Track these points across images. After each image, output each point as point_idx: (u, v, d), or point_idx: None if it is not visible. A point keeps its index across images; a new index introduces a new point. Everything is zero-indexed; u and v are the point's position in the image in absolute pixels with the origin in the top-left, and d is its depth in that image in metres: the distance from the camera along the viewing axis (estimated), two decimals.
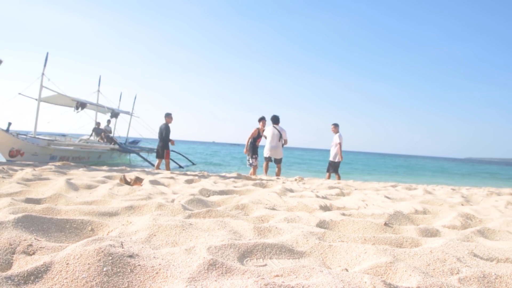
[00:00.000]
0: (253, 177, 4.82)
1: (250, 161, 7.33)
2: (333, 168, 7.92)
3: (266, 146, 7.30)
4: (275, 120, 7.27)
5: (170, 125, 7.65)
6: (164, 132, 7.34)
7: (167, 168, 7.43)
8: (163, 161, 7.59)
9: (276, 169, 7.35)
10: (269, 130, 7.33)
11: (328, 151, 8.28)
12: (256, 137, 7.39)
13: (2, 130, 7.45)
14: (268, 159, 7.25)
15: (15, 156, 7.65)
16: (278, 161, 7.32)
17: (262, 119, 7.36)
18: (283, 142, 7.28)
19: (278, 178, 4.78)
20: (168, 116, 7.71)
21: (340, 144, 7.72)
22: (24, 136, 8.07)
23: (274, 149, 7.22)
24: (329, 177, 7.85)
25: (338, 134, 7.83)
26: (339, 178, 7.76)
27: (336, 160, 7.85)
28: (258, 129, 7.41)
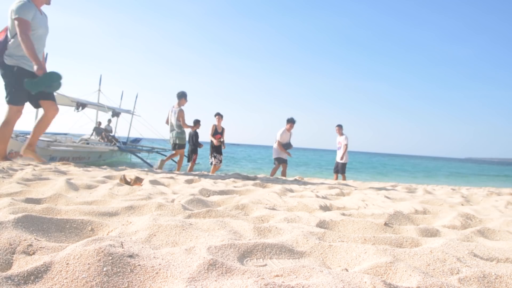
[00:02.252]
0: (252, 176, 4.83)
1: (210, 160, 7.54)
2: (341, 169, 8.04)
3: None
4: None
5: (198, 130, 8.28)
6: (194, 138, 8.03)
7: (190, 169, 7.98)
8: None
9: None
10: None
11: (331, 151, 8.37)
12: (214, 133, 7.55)
13: None
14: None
15: (14, 158, 7.70)
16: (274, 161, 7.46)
17: (217, 115, 7.60)
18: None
19: (277, 178, 4.78)
20: (197, 123, 8.26)
21: (346, 145, 7.87)
22: (23, 138, 8.10)
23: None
24: (336, 178, 7.94)
25: (344, 136, 7.98)
26: (344, 179, 7.83)
27: (343, 161, 7.98)
28: (214, 125, 7.60)
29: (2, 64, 4.14)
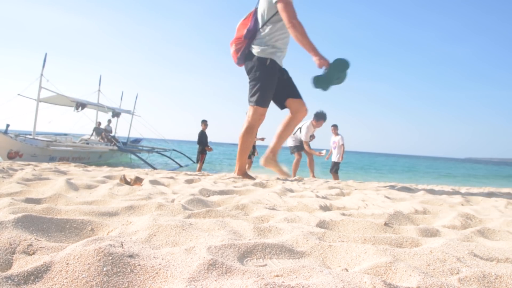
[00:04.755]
0: (252, 176, 4.82)
1: None
2: (334, 168, 8.08)
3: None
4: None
5: (206, 131, 8.24)
6: (199, 139, 8.09)
7: (198, 169, 7.98)
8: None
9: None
10: None
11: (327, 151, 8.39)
12: None
13: (0, 132, 7.52)
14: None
15: (13, 157, 7.71)
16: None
17: None
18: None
19: (278, 178, 4.78)
20: (204, 123, 8.26)
21: (343, 145, 7.96)
22: (23, 138, 8.12)
23: None
24: (337, 178, 8.00)
25: (340, 136, 8.06)
26: (337, 178, 7.87)
27: (338, 160, 8.04)
28: None
29: (249, 56, 3.48)
